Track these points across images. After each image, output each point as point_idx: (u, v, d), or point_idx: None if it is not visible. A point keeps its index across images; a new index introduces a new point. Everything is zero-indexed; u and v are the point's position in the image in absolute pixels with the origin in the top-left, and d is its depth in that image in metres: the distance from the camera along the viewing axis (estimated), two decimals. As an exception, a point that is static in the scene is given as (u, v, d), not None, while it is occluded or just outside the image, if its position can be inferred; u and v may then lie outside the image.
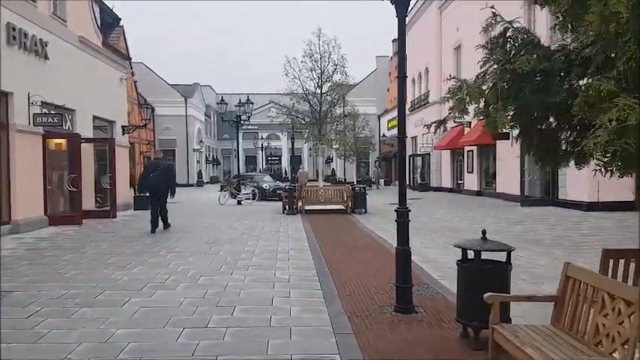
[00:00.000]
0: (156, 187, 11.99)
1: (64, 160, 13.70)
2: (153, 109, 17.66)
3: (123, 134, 17.94)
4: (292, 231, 12.00)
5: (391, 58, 46.60)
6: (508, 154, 19.78)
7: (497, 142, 20.75)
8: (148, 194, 12.52)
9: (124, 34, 37.99)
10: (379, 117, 48.17)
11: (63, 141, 13.72)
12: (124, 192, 18.07)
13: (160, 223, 12.00)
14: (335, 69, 16.93)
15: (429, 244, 9.90)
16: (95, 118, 16.14)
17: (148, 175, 12.26)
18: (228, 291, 6.22)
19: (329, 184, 22.39)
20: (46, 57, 12.80)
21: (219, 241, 10.22)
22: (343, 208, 16.65)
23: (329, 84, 17.03)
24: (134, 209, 17.76)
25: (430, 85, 31.22)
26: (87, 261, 8.20)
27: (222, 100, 20.86)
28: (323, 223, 13.60)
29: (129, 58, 18.93)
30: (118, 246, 9.73)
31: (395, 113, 32.81)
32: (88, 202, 15.07)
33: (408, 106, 36.47)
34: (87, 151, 15.07)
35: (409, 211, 5.65)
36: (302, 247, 9.48)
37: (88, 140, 14.61)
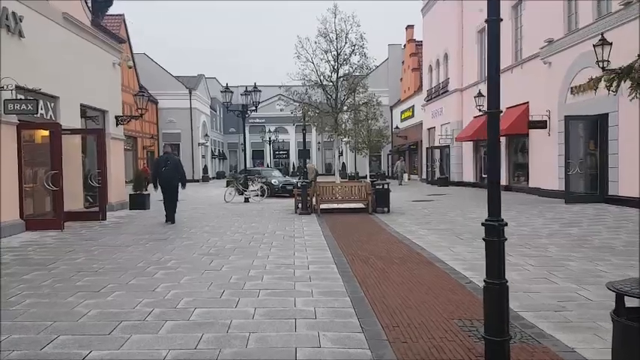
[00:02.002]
0: (168, 181, 12.39)
1: (45, 154, 11.89)
2: (149, 97, 15.62)
3: (117, 125, 16.12)
4: (309, 236, 10.13)
5: (404, 46, 44.51)
6: (544, 145, 17.81)
7: (531, 131, 18.80)
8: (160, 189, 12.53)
9: (124, 22, 36.49)
10: (391, 108, 46.16)
11: (44, 132, 11.92)
12: (120, 190, 16.28)
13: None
14: (353, 50, 14.95)
15: (480, 255, 7.97)
16: (84, 107, 14.32)
17: (160, 169, 12.56)
18: (231, 334, 4.37)
19: (345, 179, 20.48)
20: (20, 34, 10.97)
21: (223, 252, 8.36)
22: (363, 206, 14.77)
23: (346, 67, 15.09)
24: (130, 209, 15.97)
25: (450, 72, 29.14)
26: (51, 282, 6.36)
27: (226, 87, 18.96)
28: (343, 226, 11.73)
29: (124, 41, 17.06)
30: (98, 258, 7.91)
31: (410, 103, 30.96)
32: (75, 202, 13.30)
33: (424, 95, 34.48)
34: (73, 144, 13.28)
35: (505, 225, 3.76)
36: (324, 260, 7.61)
37: (73, 131, 12.79)
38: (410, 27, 42.49)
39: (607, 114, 14.16)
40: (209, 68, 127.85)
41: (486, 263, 3.79)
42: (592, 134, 15.36)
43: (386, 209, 14.44)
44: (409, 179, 40.57)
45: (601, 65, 12.94)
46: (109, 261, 7.71)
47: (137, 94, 15.89)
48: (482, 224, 3.84)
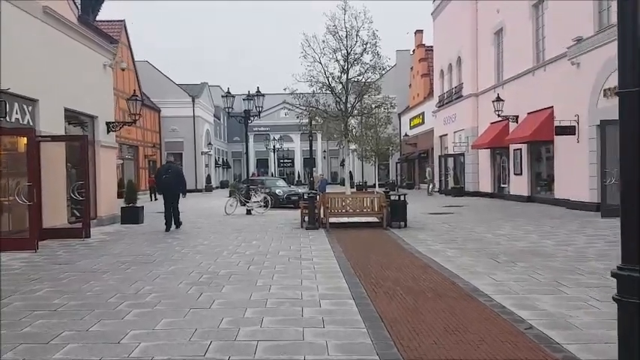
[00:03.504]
0: (169, 188, 12.94)
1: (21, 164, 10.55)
2: (143, 102, 14.32)
3: (108, 132, 14.80)
4: (318, 257, 8.70)
5: (413, 51, 43.22)
6: (572, 152, 16.35)
7: (556, 138, 17.34)
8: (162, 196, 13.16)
9: (125, 28, 35.38)
10: (399, 115, 44.75)
11: (20, 139, 10.58)
12: (110, 202, 14.93)
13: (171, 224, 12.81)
14: (365, 48, 13.58)
15: (529, 285, 6.52)
16: (69, 112, 13.00)
17: (161, 177, 13.27)
18: None
19: (354, 189, 19.06)
20: (-10, 28, 9.69)
21: (215, 280, 6.94)
22: (377, 220, 13.33)
23: (357, 67, 13.73)
24: (121, 222, 14.61)
25: (464, 77, 27.75)
26: (-9, 328, 4.96)
27: (227, 92, 17.63)
28: (356, 244, 10.30)
29: (116, 41, 15.80)
30: (64, 290, 6.50)
31: (420, 110, 29.61)
32: (58, 216, 11.94)
33: (435, 101, 33.11)
34: (56, 153, 11.94)
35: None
36: (339, 292, 6.17)
37: (54, 138, 11.46)
38: (419, 32, 41.22)
39: (649, 117, 12.68)
40: (213, 76, 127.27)
41: (619, 340, 2.34)
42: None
43: (402, 224, 12.99)
44: (419, 188, 39.08)
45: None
46: (76, 294, 6.30)
47: (130, 99, 14.58)
48: (614, 275, 2.37)
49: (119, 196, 15.83)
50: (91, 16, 16.28)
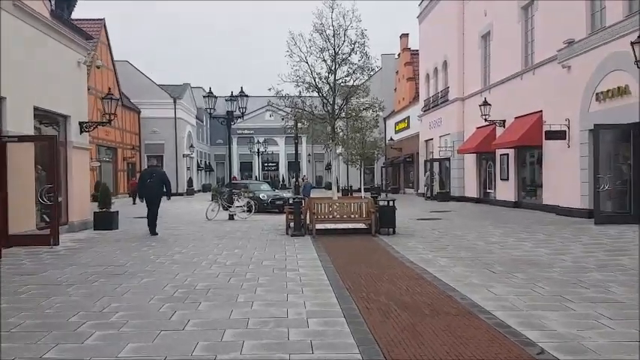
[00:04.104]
0: (152, 193, 12.82)
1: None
2: (119, 101, 13.62)
3: (81, 133, 14.04)
4: (305, 268, 8.13)
5: (398, 55, 42.97)
6: (562, 157, 16.04)
7: (545, 143, 17.04)
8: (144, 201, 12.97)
9: (105, 27, 34.44)
10: (385, 119, 44.38)
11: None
12: (83, 207, 14.17)
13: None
14: (353, 48, 13.06)
15: (532, 300, 6.03)
16: (39, 111, 12.24)
17: (145, 182, 13.09)
18: None
19: (339, 194, 18.52)
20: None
21: (192, 295, 6.32)
22: (365, 227, 12.81)
23: (345, 67, 13.20)
24: (94, 228, 13.85)
25: (450, 81, 27.46)
26: None
27: (210, 92, 16.98)
28: (345, 252, 9.75)
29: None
30: (22, 307, 5.80)
31: (405, 114, 29.16)
32: (26, 222, 11.17)
33: (420, 105, 32.82)
34: (24, 154, 11.17)
35: None
36: (329, 309, 5.61)
37: (20, 139, 10.70)
38: (404, 35, 41.00)
39: (643, 122, 12.40)
40: (196, 78, 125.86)
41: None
42: (623, 146, 13.58)
43: (391, 230, 12.49)
44: (404, 193, 38.75)
45: (640, 65, 11.20)
46: (35, 311, 5.63)
47: (105, 98, 13.85)
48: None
49: (94, 199, 15.07)
50: (65, 12, 15.58)
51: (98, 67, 24.45)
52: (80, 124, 14.01)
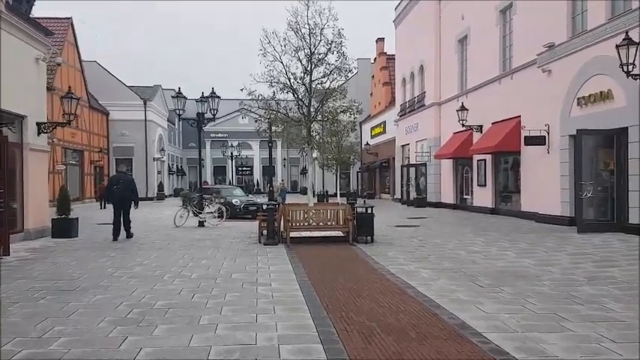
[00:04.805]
0: (120, 199, 12.85)
1: None
2: (79, 100, 12.74)
3: (39, 134, 13.09)
4: (278, 282, 7.46)
5: (374, 60, 42.70)
6: (542, 164, 15.75)
7: (524, 149, 16.75)
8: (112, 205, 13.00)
9: (72, 26, 33.15)
10: (361, 124, 44.09)
11: None
12: (41, 213, 13.21)
13: (123, 233, 12.79)
14: (329, 48, 12.46)
15: (526, 319, 5.49)
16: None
17: (112, 187, 13.18)
18: None
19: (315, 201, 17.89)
20: None
21: (148, 316, 5.58)
22: (342, 235, 12.20)
23: (321, 68, 12.59)
24: (52, 236, 12.91)
25: (426, 85, 27.16)
26: None
27: (179, 92, 16.17)
28: (321, 264, 9.11)
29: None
30: (-54, 332, 5.02)
31: (381, 119, 28.71)
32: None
33: (396, 110, 32.51)
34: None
35: None
36: (303, 334, 4.96)
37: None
38: (380, 40, 40.75)
39: (626, 128, 12.11)
40: (168, 80, 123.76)
41: None
42: (605, 152, 13.31)
43: (369, 238, 11.91)
44: (380, 198, 38.37)
45: (625, 69, 10.90)
46: (-40, 339, 4.84)
47: (65, 97, 12.94)
48: None
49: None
50: (25, 6, 14.58)
51: (58, 65, 23.29)
52: (38, 124, 13.07)
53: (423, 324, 5.31)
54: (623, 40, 10.89)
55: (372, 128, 41.15)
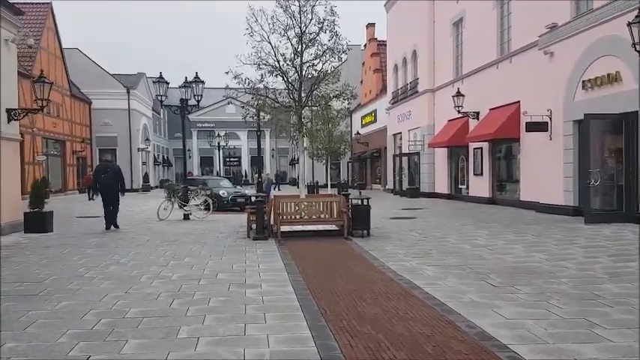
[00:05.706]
0: (107, 188, 12.72)
1: None
2: (51, 85, 11.78)
3: (9, 121, 12.13)
4: (269, 283, 6.68)
5: (364, 46, 41.79)
6: (544, 151, 15.09)
7: (523, 135, 16.08)
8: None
9: (52, 11, 31.84)
10: (351, 113, 43.26)
11: None
12: (12, 206, 12.28)
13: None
14: (321, 27, 11.61)
15: (554, 327, 4.78)
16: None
17: (99, 177, 13.01)
18: None
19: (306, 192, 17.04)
20: None
21: (118, 327, 4.78)
22: (336, 228, 11.44)
23: (313, 49, 11.73)
24: (25, 231, 12.01)
25: (419, 72, 26.39)
26: None
27: (160, 76, 15.25)
28: (316, 261, 8.34)
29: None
30: None
31: (372, 107, 27.84)
32: None
33: (389, 97, 31.75)
34: None
35: None
36: (299, 350, 4.20)
37: None
38: (371, 25, 39.81)
39: (636, 112, 11.45)
40: (152, 68, 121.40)
41: None
42: (612, 138, 12.66)
43: (365, 232, 11.18)
44: (371, 189, 37.70)
45: (638, 49, 10.20)
46: None
47: (37, 81, 11.99)
48: None
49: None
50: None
51: (30, 47, 22.15)
52: (8, 111, 12.10)
53: (438, 334, 4.58)
54: (636, 17, 10.17)
55: (363, 117, 40.34)
